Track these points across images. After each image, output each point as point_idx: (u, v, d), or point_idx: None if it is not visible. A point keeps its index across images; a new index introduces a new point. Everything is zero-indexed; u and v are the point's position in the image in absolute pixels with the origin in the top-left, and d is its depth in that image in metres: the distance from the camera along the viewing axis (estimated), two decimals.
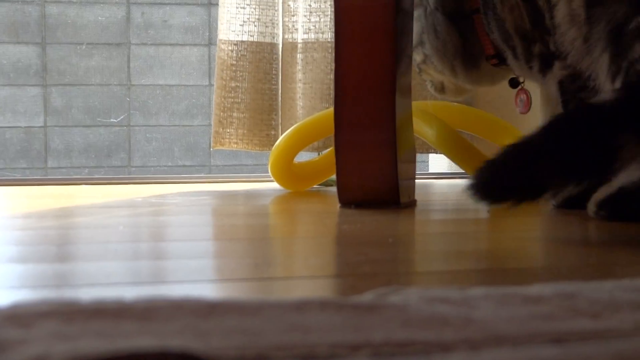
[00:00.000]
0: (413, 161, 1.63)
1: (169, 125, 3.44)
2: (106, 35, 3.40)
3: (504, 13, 1.60)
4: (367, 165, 1.51)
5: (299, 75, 2.25)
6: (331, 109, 1.59)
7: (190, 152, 3.39)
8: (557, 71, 1.56)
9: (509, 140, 1.90)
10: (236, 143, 2.24)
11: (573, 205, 1.49)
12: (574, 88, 1.54)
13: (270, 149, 2.24)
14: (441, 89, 1.86)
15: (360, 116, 1.51)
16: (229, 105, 2.23)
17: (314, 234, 1.29)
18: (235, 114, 2.23)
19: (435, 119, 1.78)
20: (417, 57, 1.80)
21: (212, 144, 2.25)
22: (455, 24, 1.74)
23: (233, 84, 2.23)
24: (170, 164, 3.40)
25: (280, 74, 2.28)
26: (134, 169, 3.39)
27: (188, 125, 3.38)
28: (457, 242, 1.20)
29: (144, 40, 3.37)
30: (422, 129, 1.78)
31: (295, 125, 2.00)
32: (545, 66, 1.58)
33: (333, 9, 1.53)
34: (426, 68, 1.81)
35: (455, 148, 1.78)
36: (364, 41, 1.52)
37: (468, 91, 1.88)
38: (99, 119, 3.39)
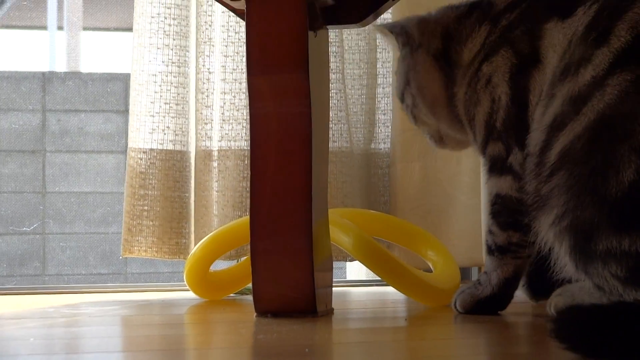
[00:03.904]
0: (330, 269, 1.62)
1: (84, 233, 3.40)
2: (21, 142, 3.37)
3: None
4: (283, 274, 1.50)
5: (213, 184, 2.25)
6: (247, 217, 1.59)
7: (106, 260, 3.35)
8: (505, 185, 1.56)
9: (425, 247, 1.93)
10: (145, 251, 2.22)
11: None
12: (515, 208, 1.55)
13: (180, 258, 2.22)
14: (440, 139, 1.75)
15: (276, 224, 1.51)
16: (138, 213, 2.21)
17: (230, 344, 1.28)
18: (145, 222, 2.22)
19: (352, 227, 1.78)
20: (408, 100, 1.72)
21: (121, 252, 2.23)
22: (441, 68, 1.68)
23: (142, 192, 2.21)
24: (84, 272, 3.35)
25: (192, 182, 2.27)
26: (47, 277, 3.33)
27: (103, 233, 3.35)
28: (375, 352, 1.19)
29: (59, 147, 3.35)
30: (339, 236, 1.78)
31: (210, 234, 1.99)
32: (494, 172, 1.58)
33: (249, 117, 1.53)
34: (418, 113, 1.72)
35: (372, 256, 1.78)
36: (279, 149, 1.52)
37: (468, 142, 1.72)
38: (11, 227, 3.34)
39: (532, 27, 1.54)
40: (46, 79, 3.40)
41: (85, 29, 3.66)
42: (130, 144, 2.24)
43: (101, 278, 3.32)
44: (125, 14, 3.36)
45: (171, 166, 2.24)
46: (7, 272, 3.33)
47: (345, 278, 2.75)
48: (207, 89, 2.27)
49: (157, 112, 2.23)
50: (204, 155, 2.26)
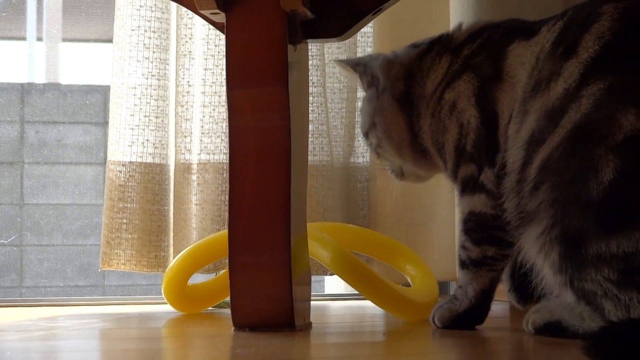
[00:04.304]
0: (308, 283, 1.62)
1: (62, 245, 3.39)
2: None
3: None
4: (261, 287, 1.50)
5: (192, 197, 2.24)
6: (225, 231, 1.58)
7: (84, 272, 3.34)
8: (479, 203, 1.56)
9: (404, 261, 1.93)
10: (124, 264, 2.22)
11: None
12: (489, 224, 1.56)
13: (159, 271, 2.21)
14: (401, 174, 1.80)
15: (255, 237, 1.51)
16: (117, 226, 2.21)
17: (208, 358, 1.27)
18: (123, 235, 2.21)
19: (331, 241, 1.78)
20: (372, 140, 1.75)
21: (100, 265, 2.22)
22: (404, 110, 1.70)
23: (121, 205, 2.21)
24: (62, 284, 3.34)
25: (171, 195, 2.26)
26: (25, 290, 3.31)
27: (81, 245, 3.34)
28: None
29: (37, 159, 3.34)
30: (317, 250, 1.78)
31: (189, 247, 1.99)
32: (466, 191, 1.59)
33: (228, 130, 1.53)
34: (383, 152, 1.77)
35: (350, 270, 1.77)
36: (258, 162, 1.52)
37: (430, 176, 1.80)
38: None
39: (494, 50, 1.56)
40: (25, 91, 3.39)
41: (64, 40, 3.64)
42: (109, 157, 2.23)
43: (79, 290, 3.30)
44: (105, 25, 3.35)
45: (150, 179, 2.23)
46: None
47: (324, 292, 2.75)
48: (187, 102, 2.27)
49: (136, 125, 2.22)
50: (183, 168, 2.26)
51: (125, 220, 2.21)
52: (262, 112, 1.53)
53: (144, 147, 2.23)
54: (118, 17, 2.25)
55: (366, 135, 1.77)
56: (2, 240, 3.30)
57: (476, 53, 1.59)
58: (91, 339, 1.51)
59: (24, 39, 3.69)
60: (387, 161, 1.80)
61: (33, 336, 1.54)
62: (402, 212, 2.35)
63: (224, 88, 2.13)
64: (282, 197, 1.51)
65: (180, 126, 2.26)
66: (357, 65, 1.78)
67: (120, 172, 2.22)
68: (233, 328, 1.51)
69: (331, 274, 2.29)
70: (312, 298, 1.64)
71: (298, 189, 1.55)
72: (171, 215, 2.26)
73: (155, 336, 1.61)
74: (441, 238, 2.34)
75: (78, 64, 3.73)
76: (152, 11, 2.24)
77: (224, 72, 1.83)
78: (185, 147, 2.26)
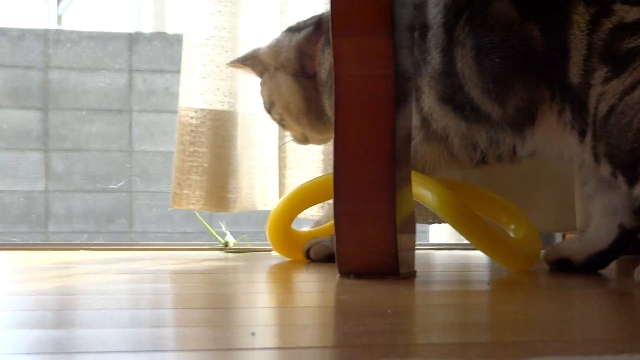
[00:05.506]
0: (413, 232, 1.62)
1: (170, 192, 3.44)
2: (107, 101, 3.42)
3: None
4: (366, 235, 1.51)
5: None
6: (327, 175, 1.59)
7: (191, 218, 3.39)
8: None
9: (505, 216, 1.90)
10: (193, 204, 2.28)
11: None
12: None
13: (225, 211, 2.29)
14: (304, 139, 2.06)
15: (359, 185, 1.51)
16: (187, 169, 2.28)
17: (312, 303, 1.29)
18: (193, 177, 2.27)
19: (438, 186, 1.77)
20: (275, 116, 2.02)
21: (170, 204, 2.28)
22: (299, 82, 1.94)
23: (192, 149, 2.27)
24: (170, 230, 3.40)
25: (238, 141, 2.33)
26: (134, 234, 3.38)
27: None
28: (457, 314, 1.19)
29: (145, 107, 3.39)
30: (424, 194, 1.76)
31: (294, 189, 2.00)
32: None
33: (333, 79, 1.53)
34: (285, 124, 2.04)
35: (458, 215, 1.76)
36: (363, 110, 1.52)
37: (329, 138, 2.03)
38: (99, 185, 3.39)
39: None
40: (132, 40, 3.44)
41: None
42: (181, 103, 2.28)
43: (186, 236, 3.36)
44: None
45: (220, 125, 2.30)
46: (95, 228, 3.39)
47: (428, 241, 2.75)
48: None
49: (208, 74, 2.28)
50: (250, 116, 2.35)
51: (195, 164, 2.27)
52: (366, 61, 1.52)
53: (214, 95, 2.27)
54: None
55: (269, 112, 2.03)
56: (112, 186, 3.36)
57: None
58: (199, 282, 1.54)
59: None
60: (291, 131, 2.05)
61: (142, 278, 1.57)
62: None
63: None
64: (386, 145, 1.50)
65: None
66: (246, 60, 2.05)
67: (192, 117, 2.27)
68: (338, 275, 1.52)
69: (436, 223, 2.28)
70: (416, 247, 1.65)
71: (402, 137, 1.55)
72: (238, 160, 2.31)
73: (260, 280, 1.63)
74: (550, 190, 2.31)
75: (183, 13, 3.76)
76: None
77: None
78: (251, 95, 2.30)
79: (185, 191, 2.28)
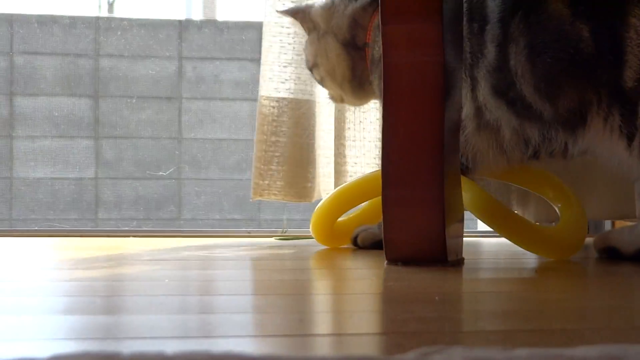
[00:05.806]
0: (461, 219, 1.62)
1: (219, 179, 3.45)
2: (157, 89, 3.44)
3: None
4: (414, 223, 1.51)
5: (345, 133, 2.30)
6: (373, 173, 1.59)
7: (240, 205, 3.40)
8: None
9: (556, 196, 1.88)
10: (275, 194, 2.28)
11: None
12: None
13: (305, 200, 2.28)
14: (341, 100, 2.07)
15: (408, 172, 1.51)
16: (269, 159, 2.27)
17: (360, 290, 1.29)
18: (274, 167, 2.27)
19: (471, 182, 1.76)
20: (316, 76, 2.03)
21: (252, 195, 2.28)
22: (348, 52, 1.93)
23: (274, 139, 2.27)
24: (219, 217, 3.41)
25: (317, 130, 2.32)
26: (183, 221, 3.40)
27: (237, 179, 3.40)
28: (504, 302, 1.18)
29: (195, 94, 3.40)
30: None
31: (338, 187, 2.00)
32: None
33: (382, 66, 1.53)
34: (326, 85, 2.05)
35: (491, 212, 1.76)
36: (412, 97, 1.52)
37: (366, 102, 2.11)
38: (148, 172, 3.41)
39: None
40: (182, 27, 3.45)
41: None
42: (261, 92, 2.28)
43: (235, 223, 3.37)
44: None
45: (301, 114, 2.29)
46: (144, 215, 3.41)
47: (477, 229, 2.74)
48: None
49: (289, 63, 2.27)
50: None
51: (277, 154, 2.27)
52: (416, 48, 1.52)
53: (295, 84, 2.27)
54: None
55: (310, 71, 2.03)
56: (161, 173, 3.39)
57: None
58: (246, 269, 1.54)
59: None
60: (330, 90, 2.07)
61: (191, 265, 1.58)
62: None
63: None
64: (435, 132, 1.50)
65: None
66: (297, 13, 2.03)
67: (274, 107, 2.26)
68: (385, 262, 1.52)
69: None
70: (464, 235, 1.64)
71: (451, 124, 1.54)
72: (316, 149, 2.31)
73: (307, 267, 1.63)
74: (606, 177, 2.29)
75: (234, 1, 3.77)
76: None
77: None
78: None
79: (266, 182, 2.29)
